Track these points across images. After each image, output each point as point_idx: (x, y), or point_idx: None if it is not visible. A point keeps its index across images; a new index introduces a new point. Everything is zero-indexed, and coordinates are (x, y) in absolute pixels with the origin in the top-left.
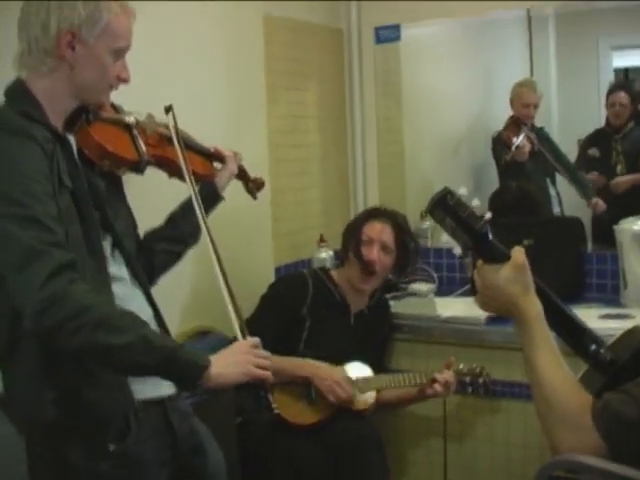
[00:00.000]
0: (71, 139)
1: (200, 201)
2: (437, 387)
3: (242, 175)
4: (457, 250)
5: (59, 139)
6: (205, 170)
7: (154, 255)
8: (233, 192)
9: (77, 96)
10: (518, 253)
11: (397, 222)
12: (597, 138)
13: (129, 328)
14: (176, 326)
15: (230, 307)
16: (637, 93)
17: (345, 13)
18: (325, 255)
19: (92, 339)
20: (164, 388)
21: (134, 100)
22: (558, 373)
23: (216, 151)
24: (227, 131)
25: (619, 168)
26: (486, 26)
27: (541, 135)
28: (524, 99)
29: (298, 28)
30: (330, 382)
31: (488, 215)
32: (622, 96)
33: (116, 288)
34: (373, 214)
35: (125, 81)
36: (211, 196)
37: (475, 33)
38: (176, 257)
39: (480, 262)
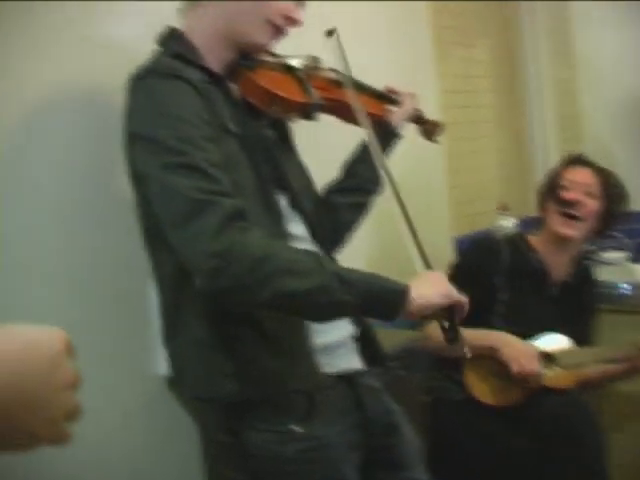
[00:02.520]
0: (232, 87)
1: (377, 139)
2: None
3: (418, 117)
4: None
5: (217, 82)
6: (379, 111)
7: (337, 211)
8: (405, 158)
9: (232, 34)
10: None
11: (602, 169)
12: None
13: (318, 268)
14: None
15: (412, 242)
16: None
17: None
18: (506, 223)
19: (280, 289)
20: (353, 361)
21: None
22: None
23: (389, 90)
24: None
25: None
26: None
27: None
28: None
29: None
30: (515, 351)
31: None
32: None
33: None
34: (574, 160)
35: (294, 22)
36: (388, 135)
37: None
38: (362, 210)
39: None
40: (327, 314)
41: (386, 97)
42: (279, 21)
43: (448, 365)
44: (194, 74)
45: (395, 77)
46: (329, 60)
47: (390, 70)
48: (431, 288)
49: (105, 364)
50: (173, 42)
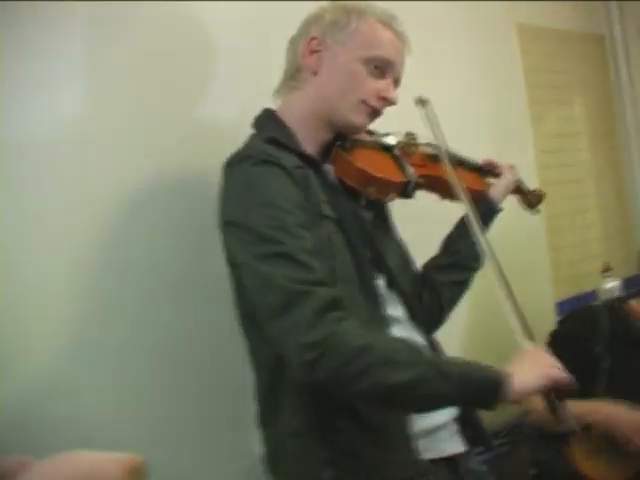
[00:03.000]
0: (328, 169)
1: (477, 216)
2: None
3: (519, 188)
4: None
5: (313, 165)
6: (478, 185)
7: (439, 289)
8: (504, 221)
9: (328, 115)
10: None
11: None
12: None
13: (417, 359)
14: None
15: (513, 313)
16: None
17: (605, 17)
18: (611, 285)
19: (378, 381)
20: (454, 445)
21: (387, 122)
22: None
23: (487, 163)
24: (489, 154)
25: None
26: None
27: None
28: None
29: (555, 37)
30: (634, 424)
31: None
32: None
33: (394, 330)
34: None
35: (388, 100)
36: (488, 210)
37: None
38: (463, 287)
39: None
40: (424, 406)
41: (485, 170)
42: (374, 102)
43: (555, 438)
44: (288, 158)
45: (491, 140)
46: (422, 128)
47: (486, 133)
48: (531, 372)
49: (206, 442)
50: (269, 125)
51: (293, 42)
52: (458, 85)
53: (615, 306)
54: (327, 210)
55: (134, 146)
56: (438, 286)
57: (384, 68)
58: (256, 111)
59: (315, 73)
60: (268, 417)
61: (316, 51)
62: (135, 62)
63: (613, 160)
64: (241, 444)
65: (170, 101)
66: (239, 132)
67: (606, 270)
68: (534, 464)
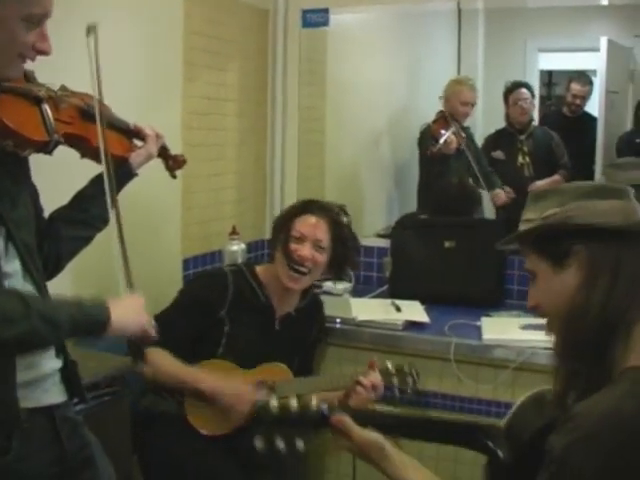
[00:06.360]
0: None
1: (114, 184)
2: (360, 390)
3: (163, 153)
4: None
5: None
6: (123, 150)
7: (61, 241)
8: (143, 176)
9: None
10: None
11: (333, 217)
12: (500, 140)
13: (25, 312)
14: None
15: (120, 261)
16: (532, 93)
17: None
18: (237, 248)
19: None
20: (53, 395)
21: (42, 71)
22: None
23: (136, 128)
24: (138, 109)
25: (526, 170)
26: (416, 17)
27: (467, 134)
28: (463, 97)
29: (221, 4)
30: (232, 399)
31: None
32: (525, 92)
33: (6, 283)
34: (307, 208)
35: (43, 52)
36: (124, 174)
37: (404, 23)
38: (85, 243)
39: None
40: (36, 350)
41: (133, 134)
42: (30, 54)
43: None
44: None
45: (142, 96)
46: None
47: (138, 88)
48: (130, 316)
49: None
50: None
51: None
52: (117, 38)
53: (243, 271)
54: None
55: None
56: (61, 238)
57: (40, 21)
58: None
59: None
60: None
61: None
62: None
63: (258, 128)
64: None
65: None
66: None
67: (233, 233)
68: (144, 407)
